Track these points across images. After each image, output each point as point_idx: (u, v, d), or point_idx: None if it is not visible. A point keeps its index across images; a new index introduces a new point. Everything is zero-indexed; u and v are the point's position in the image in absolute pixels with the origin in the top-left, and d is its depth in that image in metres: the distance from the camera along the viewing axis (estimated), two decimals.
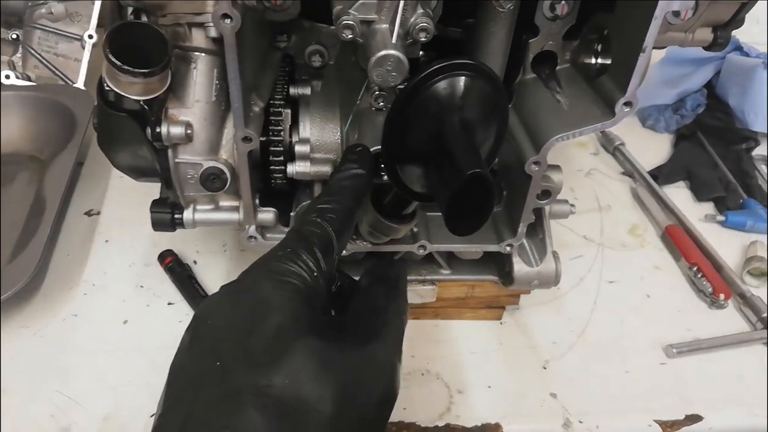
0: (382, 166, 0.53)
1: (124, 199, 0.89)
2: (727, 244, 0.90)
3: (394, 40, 0.46)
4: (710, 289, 0.82)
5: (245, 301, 0.41)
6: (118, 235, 0.84)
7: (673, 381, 0.73)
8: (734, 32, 0.68)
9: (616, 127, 0.59)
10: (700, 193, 0.99)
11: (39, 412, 0.66)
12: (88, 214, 0.87)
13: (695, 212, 0.95)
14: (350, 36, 0.49)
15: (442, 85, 0.45)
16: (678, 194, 0.99)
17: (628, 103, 0.55)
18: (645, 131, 1.13)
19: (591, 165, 1.05)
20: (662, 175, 1.01)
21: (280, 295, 0.40)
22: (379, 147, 0.51)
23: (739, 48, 1.15)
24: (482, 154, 0.47)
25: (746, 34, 0.88)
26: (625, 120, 0.55)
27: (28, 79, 1.03)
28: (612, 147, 1.07)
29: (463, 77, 0.45)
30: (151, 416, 0.66)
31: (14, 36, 1.05)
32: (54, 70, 1.04)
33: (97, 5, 1.04)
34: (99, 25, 1.03)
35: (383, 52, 0.45)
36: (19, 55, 1.05)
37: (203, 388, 0.37)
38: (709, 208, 0.98)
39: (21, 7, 1.04)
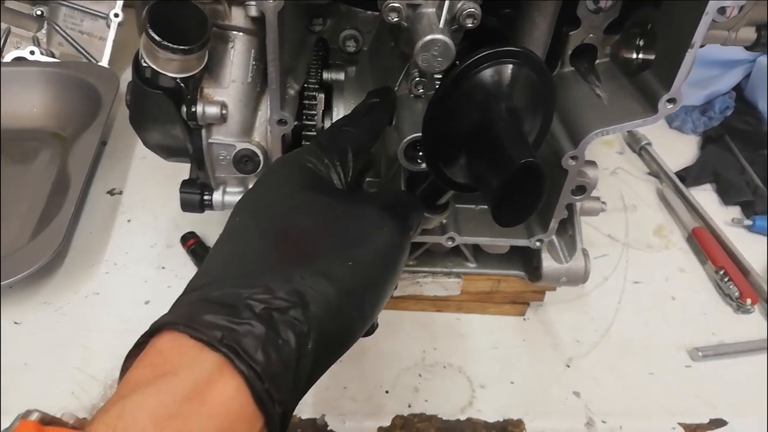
0: (420, 153, 0.52)
1: (147, 180, 0.89)
2: (754, 249, 0.88)
3: (441, 25, 0.45)
4: (737, 294, 0.81)
5: (261, 178, 0.47)
6: (140, 215, 0.84)
7: (697, 384, 0.72)
8: None
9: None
10: (727, 196, 0.98)
11: (60, 389, 0.65)
12: (111, 193, 0.87)
13: (721, 216, 0.94)
14: (396, 19, 0.48)
15: (489, 72, 0.44)
16: (704, 197, 0.97)
17: (671, 100, 0.54)
18: (671, 132, 1.11)
19: (616, 164, 1.03)
20: (689, 176, 0.99)
21: (289, 170, 0.45)
22: (419, 134, 0.50)
23: None
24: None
25: None
26: None
27: (52, 55, 1.03)
28: (638, 146, 1.05)
29: (511, 65, 0.44)
30: None
31: (39, 12, 1.04)
32: (78, 47, 1.04)
33: None
34: (125, 5, 1.03)
35: (430, 37, 0.44)
36: (44, 31, 1.04)
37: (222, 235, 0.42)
38: (735, 212, 0.96)
39: None
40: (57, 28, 1.04)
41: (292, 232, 0.40)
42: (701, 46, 0.74)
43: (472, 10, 0.46)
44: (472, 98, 0.44)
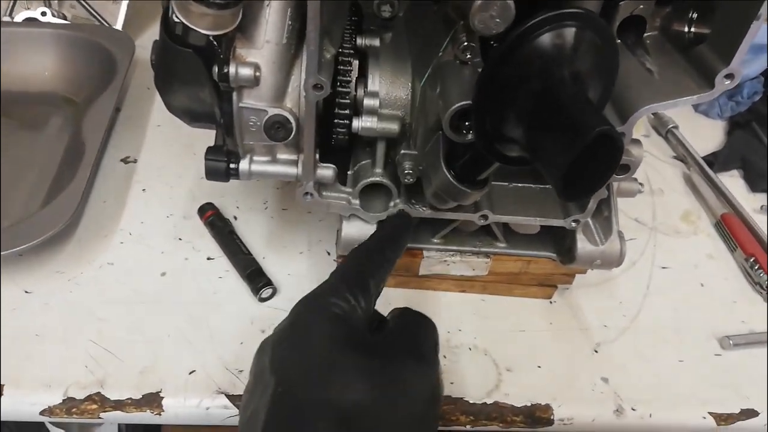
0: (467, 124, 0.49)
1: (162, 148, 0.85)
2: None
3: None
4: (767, 282, 0.79)
5: (293, 329, 0.46)
6: (155, 185, 0.81)
7: (728, 373, 0.70)
8: None
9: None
10: (754, 183, 0.95)
11: (73, 362, 0.63)
12: (125, 161, 0.84)
13: (749, 203, 0.92)
14: None
15: (549, 36, 0.41)
16: (732, 183, 0.95)
17: (729, 75, 0.51)
18: (697, 116, 1.09)
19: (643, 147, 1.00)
20: (718, 162, 0.97)
21: (320, 321, 0.46)
22: (468, 102, 0.47)
23: None
24: None
25: None
26: None
27: (64, 18, 0.99)
28: (664, 130, 1.02)
29: (574, 28, 0.41)
30: (191, 373, 0.63)
31: None
32: (91, 10, 1.00)
33: None
34: None
35: None
36: None
37: (270, 411, 0.41)
38: (763, 199, 0.94)
39: None
40: None
41: (344, 410, 0.40)
42: None
43: None
44: (531, 64, 0.41)
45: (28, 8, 0.98)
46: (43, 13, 0.96)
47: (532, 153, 0.42)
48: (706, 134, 1.04)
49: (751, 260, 0.81)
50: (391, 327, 0.51)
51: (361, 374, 0.42)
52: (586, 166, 0.36)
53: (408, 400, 0.43)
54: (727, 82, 0.52)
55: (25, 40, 0.91)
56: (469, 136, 0.49)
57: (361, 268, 0.52)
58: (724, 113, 1.08)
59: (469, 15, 0.42)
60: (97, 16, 1.00)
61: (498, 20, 0.42)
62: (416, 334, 0.50)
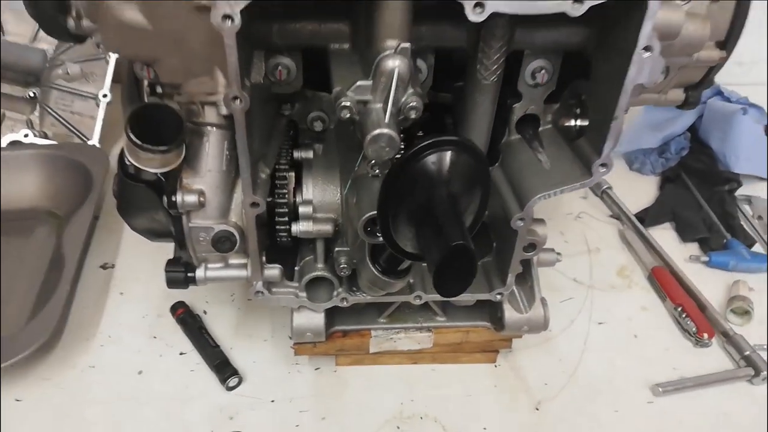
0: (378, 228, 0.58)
1: (138, 252, 0.94)
2: (711, 284, 0.94)
3: (387, 119, 0.51)
4: (694, 329, 0.86)
5: None
6: (131, 288, 0.89)
7: (660, 419, 0.77)
8: (717, 74, 0.73)
9: None
10: (685, 234, 1.04)
11: None
12: (104, 267, 0.92)
13: (680, 253, 1.00)
14: (348, 115, 0.54)
15: (430, 159, 0.50)
16: (664, 235, 1.03)
17: (604, 165, 0.60)
18: (632, 174, 1.18)
19: (580, 208, 1.09)
20: (649, 217, 1.06)
21: None
22: (374, 212, 0.56)
23: (719, 93, 1.20)
24: (468, 218, 0.52)
25: (730, 75, 0.92)
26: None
27: (46, 136, 1.09)
28: (600, 190, 1.11)
29: (449, 152, 0.50)
30: None
31: (32, 94, 1.11)
32: (70, 127, 1.10)
33: (111, 65, 1.10)
34: (114, 81, 1.09)
35: (377, 131, 0.51)
36: (36, 113, 1.11)
37: None
38: (693, 248, 1.02)
39: (39, 67, 1.10)
40: (49, 110, 1.11)
41: None
42: (638, 106, 0.80)
43: (414, 103, 0.53)
44: (416, 181, 0.50)
45: (13, 131, 1.08)
46: (26, 135, 1.07)
47: (421, 251, 0.50)
48: (641, 190, 1.14)
49: (680, 309, 0.89)
50: None
51: None
52: (454, 267, 0.45)
53: None
54: (603, 170, 0.60)
55: (10, 162, 1.01)
56: (381, 238, 0.57)
57: None
58: (656, 169, 1.17)
59: (363, 146, 0.51)
60: (76, 132, 1.10)
61: (387, 149, 0.51)
62: None
